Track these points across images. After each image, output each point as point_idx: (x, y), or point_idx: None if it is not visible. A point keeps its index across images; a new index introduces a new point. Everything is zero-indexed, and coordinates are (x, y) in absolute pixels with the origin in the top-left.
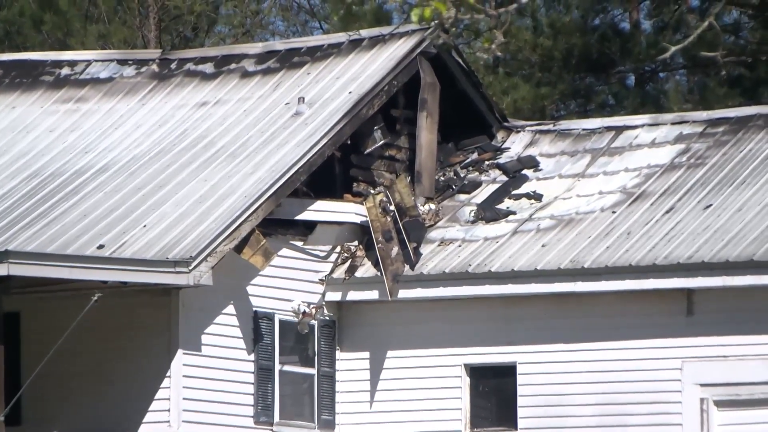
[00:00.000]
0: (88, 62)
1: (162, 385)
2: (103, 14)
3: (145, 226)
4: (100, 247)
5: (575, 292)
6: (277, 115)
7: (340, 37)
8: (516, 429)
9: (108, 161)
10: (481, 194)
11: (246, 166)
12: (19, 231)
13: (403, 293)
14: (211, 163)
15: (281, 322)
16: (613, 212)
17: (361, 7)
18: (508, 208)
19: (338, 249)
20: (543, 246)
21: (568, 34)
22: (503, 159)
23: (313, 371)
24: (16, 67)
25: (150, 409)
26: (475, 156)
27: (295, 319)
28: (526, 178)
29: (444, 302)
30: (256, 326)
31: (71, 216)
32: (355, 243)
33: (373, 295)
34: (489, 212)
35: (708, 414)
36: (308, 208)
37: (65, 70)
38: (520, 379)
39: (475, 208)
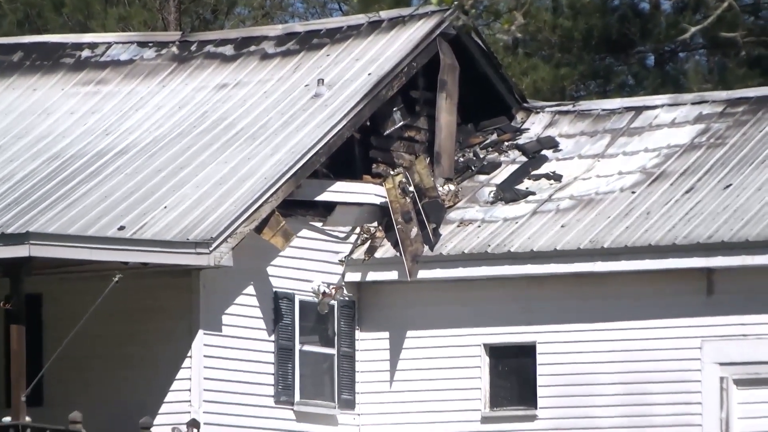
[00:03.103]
0: (109, 45)
1: (183, 366)
2: None
3: (165, 207)
4: (121, 228)
5: (595, 272)
6: (297, 97)
7: (360, 18)
8: (536, 408)
9: (128, 143)
10: (501, 175)
11: (266, 147)
12: (40, 213)
13: (423, 274)
14: (231, 144)
15: (301, 302)
16: (633, 192)
17: None
18: (527, 188)
19: (358, 230)
20: (562, 226)
21: (587, 14)
22: (523, 140)
23: (333, 351)
24: (37, 49)
25: (171, 389)
26: (494, 137)
27: (315, 300)
28: (545, 159)
29: (463, 282)
30: (277, 307)
31: (92, 198)
32: (375, 224)
33: (392, 275)
34: (508, 193)
35: (728, 392)
36: (328, 190)
37: (86, 53)
38: (539, 359)
39: (494, 188)
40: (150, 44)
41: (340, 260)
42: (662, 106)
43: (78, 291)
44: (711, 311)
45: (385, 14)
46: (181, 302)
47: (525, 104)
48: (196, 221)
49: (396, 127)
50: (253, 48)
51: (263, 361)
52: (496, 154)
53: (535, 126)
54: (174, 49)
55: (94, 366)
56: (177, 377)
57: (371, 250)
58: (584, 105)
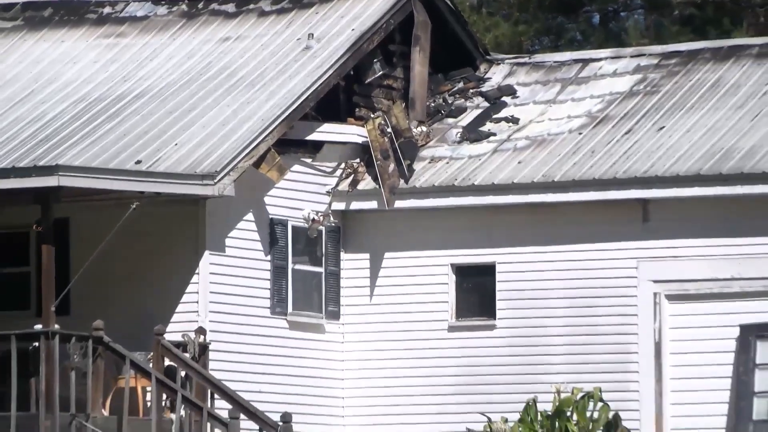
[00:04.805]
0: (127, 2)
1: (191, 282)
2: None
3: (176, 144)
4: (138, 162)
5: (547, 203)
6: (290, 50)
7: None
8: (495, 319)
9: (144, 88)
10: (466, 118)
11: (263, 93)
12: (68, 148)
13: (399, 204)
14: (233, 90)
15: (294, 227)
16: (580, 133)
17: None
18: (489, 130)
19: (343, 165)
20: (519, 163)
21: None
22: (485, 88)
23: (321, 270)
24: (64, 6)
25: (181, 301)
26: (461, 85)
27: (306, 226)
28: (505, 104)
29: (434, 211)
30: (272, 231)
31: (113, 135)
32: (357, 160)
33: (372, 205)
34: (473, 134)
35: (660, 306)
36: (317, 130)
37: (107, 9)
38: (498, 276)
39: (460, 130)
40: (163, 2)
41: (327, 191)
42: (606, 58)
43: (100, 216)
44: (646, 236)
45: None
46: (190, 227)
47: (488, 57)
48: (203, 157)
49: (376, 76)
50: (251, 6)
51: (261, 278)
52: (463, 100)
53: (496, 76)
54: (183, 6)
55: (114, 282)
56: (186, 291)
57: (354, 183)
58: (539, 57)
